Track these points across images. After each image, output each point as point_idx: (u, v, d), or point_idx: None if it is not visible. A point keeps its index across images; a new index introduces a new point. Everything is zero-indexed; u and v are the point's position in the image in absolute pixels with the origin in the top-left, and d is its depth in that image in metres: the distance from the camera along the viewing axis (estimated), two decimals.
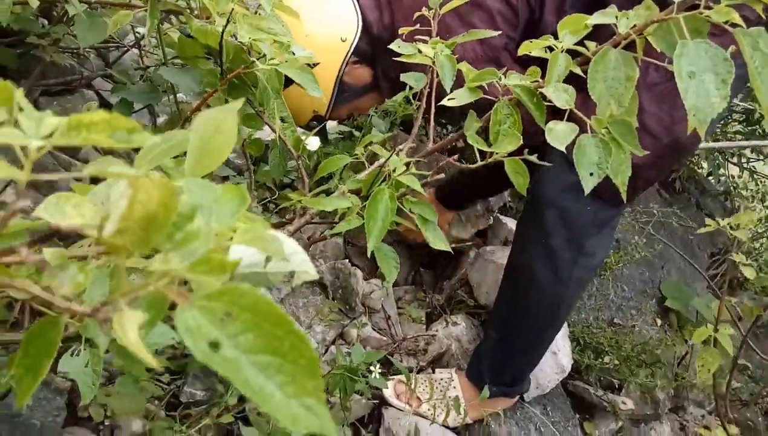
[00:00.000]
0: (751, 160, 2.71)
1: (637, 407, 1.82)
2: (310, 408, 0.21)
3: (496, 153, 0.56)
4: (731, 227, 1.03)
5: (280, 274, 0.34)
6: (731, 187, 2.80)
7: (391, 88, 1.33)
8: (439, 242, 0.66)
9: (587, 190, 0.53)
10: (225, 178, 1.73)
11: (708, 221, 1.07)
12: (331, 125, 1.87)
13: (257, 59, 0.66)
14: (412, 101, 0.80)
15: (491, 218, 1.85)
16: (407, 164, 0.65)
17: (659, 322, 2.27)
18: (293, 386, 0.21)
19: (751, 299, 2.58)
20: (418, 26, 0.81)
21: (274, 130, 0.73)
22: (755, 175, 2.67)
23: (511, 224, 1.87)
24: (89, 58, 1.69)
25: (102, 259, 0.30)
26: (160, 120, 1.75)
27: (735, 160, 2.78)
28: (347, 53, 1.25)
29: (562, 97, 0.53)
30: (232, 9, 0.65)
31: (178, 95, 1.42)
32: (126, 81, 1.43)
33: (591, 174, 0.52)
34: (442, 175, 0.66)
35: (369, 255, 0.63)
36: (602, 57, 0.53)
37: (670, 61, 0.55)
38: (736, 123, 2.71)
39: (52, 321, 0.28)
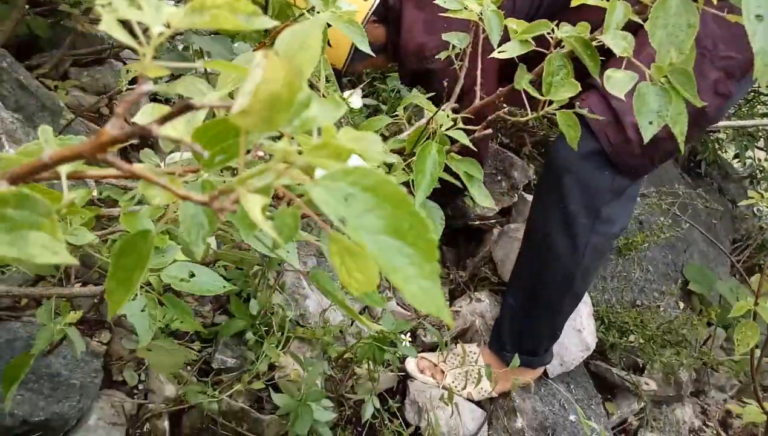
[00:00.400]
0: None
1: (660, 389, 1.81)
2: (428, 291, 0.21)
3: (550, 103, 0.56)
4: None
5: (380, 158, 0.34)
6: (757, 171, 2.76)
7: (393, 55, 1.38)
8: (484, 199, 0.66)
9: (646, 139, 0.52)
10: None
11: (752, 192, 1.05)
12: (356, 102, 1.87)
13: (307, 11, 0.66)
14: (455, 62, 0.79)
15: (516, 195, 1.84)
16: (454, 120, 0.65)
17: (681, 305, 2.26)
18: (412, 267, 0.21)
19: None
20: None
21: (317, 89, 0.73)
22: None
23: None
24: None
25: (189, 176, 0.31)
26: None
27: (761, 143, 2.74)
28: (368, 11, 1.28)
29: (621, 44, 0.52)
30: None
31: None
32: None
33: (650, 122, 0.51)
34: (489, 131, 0.66)
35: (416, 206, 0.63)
36: (662, 3, 0.52)
37: (729, 9, 0.54)
38: (764, 105, 2.66)
39: (143, 234, 0.28)
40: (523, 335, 1.38)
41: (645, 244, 1.83)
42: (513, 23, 0.68)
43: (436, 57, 1.19)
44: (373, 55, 0.72)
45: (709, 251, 2.50)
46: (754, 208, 3.23)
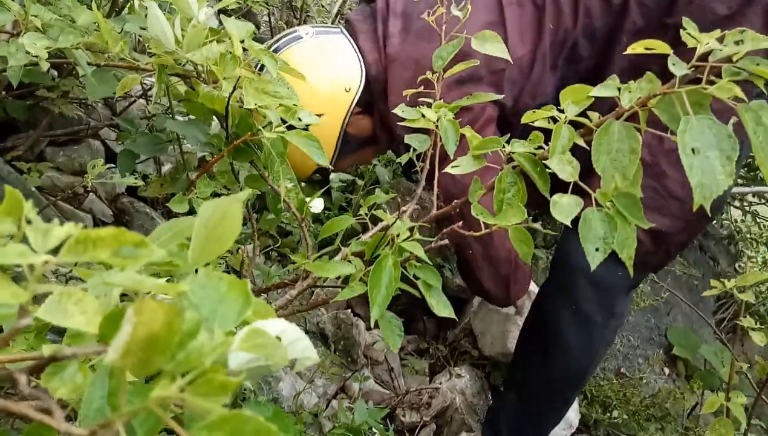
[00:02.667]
0: (753, 204, 2.72)
1: None
2: None
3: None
4: (738, 290, 1.02)
5: (282, 362, 0.33)
6: (735, 232, 2.80)
7: (387, 139, 1.28)
8: (443, 309, 0.65)
9: (593, 266, 0.52)
10: None
11: (713, 282, 1.06)
12: (333, 175, 1.88)
13: (263, 127, 0.67)
14: (416, 163, 0.80)
15: None
16: (411, 229, 0.65)
17: (667, 371, 2.23)
18: None
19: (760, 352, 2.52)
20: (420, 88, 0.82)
21: (278, 193, 0.73)
22: (758, 219, 2.67)
23: None
24: (96, 108, 1.72)
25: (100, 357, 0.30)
26: (165, 168, 1.77)
27: (737, 203, 2.79)
28: (351, 104, 1.21)
29: (567, 169, 0.53)
30: (239, 77, 0.66)
31: (183, 145, 1.43)
32: (131, 130, 1.44)
33: (597, 249, 0.51)
34: (445, 241, 0.66)
35: (372, 325, 0.62)
36: (606, 130, 0.53)
37: (673, 132, 0.55)
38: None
39: (47, 430, 0.27)
40: (526, 431, 1.34)
41: None
42: (468, 132, 0.69)
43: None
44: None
45: (692, 312, 2.50)
46: (736, 265, 3.26)
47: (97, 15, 0.70)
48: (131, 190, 1.63)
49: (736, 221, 2.85)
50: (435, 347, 1.73)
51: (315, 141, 0.67)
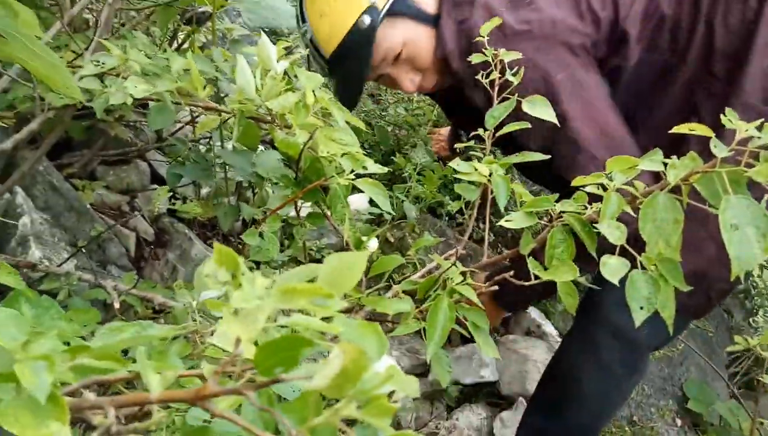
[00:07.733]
0: None
1: None
2: None
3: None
4: (761, 348, 1.06)
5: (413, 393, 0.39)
6: (751, 286, 2.83)
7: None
8: (490, 351, 0.70)
9: (638, 323, 0.57)
10: None
11: (737, 338, 1.10)
12: (364, 207, 1.95)
13: (336, 174, 0.74)
14: (464, 209, 0.87)
15: None
16: (464, 274, 0.71)
17: (679, 422, 2.24)
18: None
19: None
20: None
21: (339, 232, 0.80)
22: None
23: (534, 313, 1.90)
24: (145, 131, 1.81)
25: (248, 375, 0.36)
26: (203, 191, 1.85)
27: None
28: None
29: (615, 233, 0.59)
30: (316, 129, 0.74)
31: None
32: (181, 148, 1.53)
33: (641, 308, 0.57)
34: (495, 288, 0.72)
35: (428, 361, 0.68)
36: (652, 200, 0.59)
37: (711, 205, 0.61)
38: None
39: None
40: None
41: None
42: (519, 189, 0.75)
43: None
44: None
45: (706, 364, 2.51)
46: (751, 320, 3.26)
47: (191, 63, 0.79)
48: (171, 211, 1.70)
49: (752, 275, 2.88)
50: (455, 385, 1.76)
51: (381, 189, 0.74)
